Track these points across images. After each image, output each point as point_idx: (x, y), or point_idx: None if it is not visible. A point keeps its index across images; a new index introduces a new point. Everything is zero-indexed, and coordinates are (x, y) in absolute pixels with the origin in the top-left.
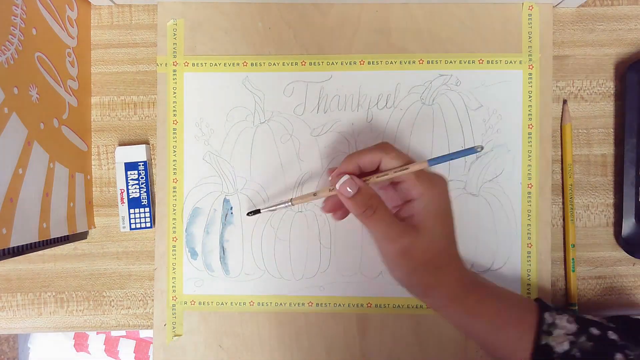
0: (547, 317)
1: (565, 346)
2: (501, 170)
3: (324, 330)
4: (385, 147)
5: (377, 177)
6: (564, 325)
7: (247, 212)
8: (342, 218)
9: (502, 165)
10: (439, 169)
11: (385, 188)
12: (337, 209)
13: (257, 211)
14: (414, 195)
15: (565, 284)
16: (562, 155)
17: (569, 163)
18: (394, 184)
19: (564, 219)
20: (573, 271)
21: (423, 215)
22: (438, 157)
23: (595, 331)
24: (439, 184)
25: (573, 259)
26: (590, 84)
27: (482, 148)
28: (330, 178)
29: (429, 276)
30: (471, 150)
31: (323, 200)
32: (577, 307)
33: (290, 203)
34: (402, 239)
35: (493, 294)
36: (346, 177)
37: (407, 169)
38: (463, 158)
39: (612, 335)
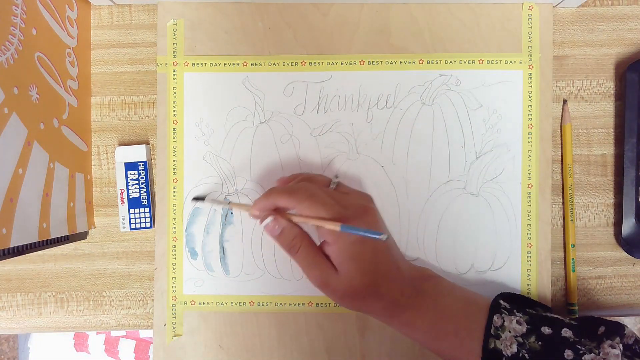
0: (496, 319)
1: (514, 348)
2: (501, 170)
3: (324, 330)
4: (299, 195)
5: (297, 218)
6: (514, 327)
7: (192, 197)
8: None
9: (502, 165)
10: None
11: None
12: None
13: (202, 199)
14: (328, 240)
15: (565, 284)
16: (562, 155)
17: (568, 163)
18: None
19: (564, 219)
20: (573, 271)
21: (338, 260)
22: (350, 227)
23: (547, 330)
24: (353, 216)
25: (573, 259)
26: (590, 84)
27: (387, 237)
28: (252, 204)
29: (358, 303)
30: (377, 234)
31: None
32: (577, 307)
33: (228, 206)
34: (323, 275)
35: (435, 304)
36: (271, 217)
37: (321, 224)
38: (463, 158)
39: (565, 332)
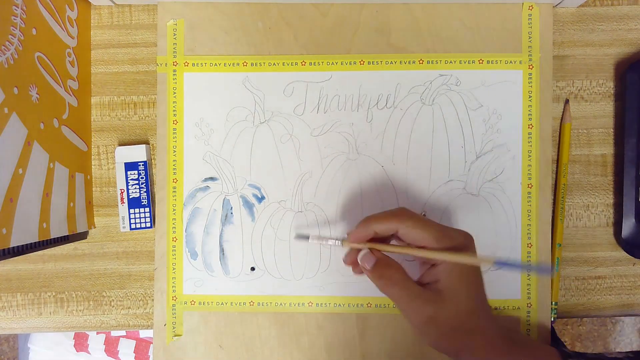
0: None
1: None
2: (501, 170)
3: (324, 330)
4: (401, 215)
5: (397, 248)
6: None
7: (295, 236)
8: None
9: (502, 165)
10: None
11: None
12: (356, 264)
13: (306, 237)
14: (437, 260)
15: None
16: (558, 155)
17: (564, 162)
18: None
19: (553, 218)
20: (557, 270)
21: (447, 281)
22: (505, 261)
23: None
24: (464, 246)
25: (558, 258)
26: (590, 84)
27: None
28: (347, 236)
29: (459, 341)
30: (544, 268)
31: (345, 254)
32: (556, 307)
33: (340, 243)
34: (427, 307)
35: (520, 352)
36: (365, 251)
37: (440, 256)
38: (463, 158)
39: None
